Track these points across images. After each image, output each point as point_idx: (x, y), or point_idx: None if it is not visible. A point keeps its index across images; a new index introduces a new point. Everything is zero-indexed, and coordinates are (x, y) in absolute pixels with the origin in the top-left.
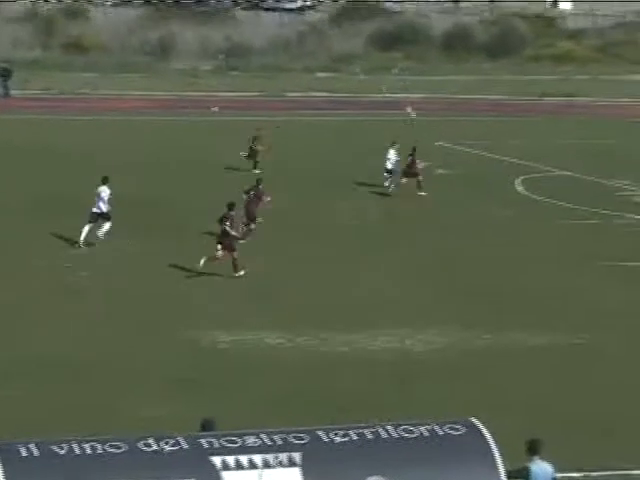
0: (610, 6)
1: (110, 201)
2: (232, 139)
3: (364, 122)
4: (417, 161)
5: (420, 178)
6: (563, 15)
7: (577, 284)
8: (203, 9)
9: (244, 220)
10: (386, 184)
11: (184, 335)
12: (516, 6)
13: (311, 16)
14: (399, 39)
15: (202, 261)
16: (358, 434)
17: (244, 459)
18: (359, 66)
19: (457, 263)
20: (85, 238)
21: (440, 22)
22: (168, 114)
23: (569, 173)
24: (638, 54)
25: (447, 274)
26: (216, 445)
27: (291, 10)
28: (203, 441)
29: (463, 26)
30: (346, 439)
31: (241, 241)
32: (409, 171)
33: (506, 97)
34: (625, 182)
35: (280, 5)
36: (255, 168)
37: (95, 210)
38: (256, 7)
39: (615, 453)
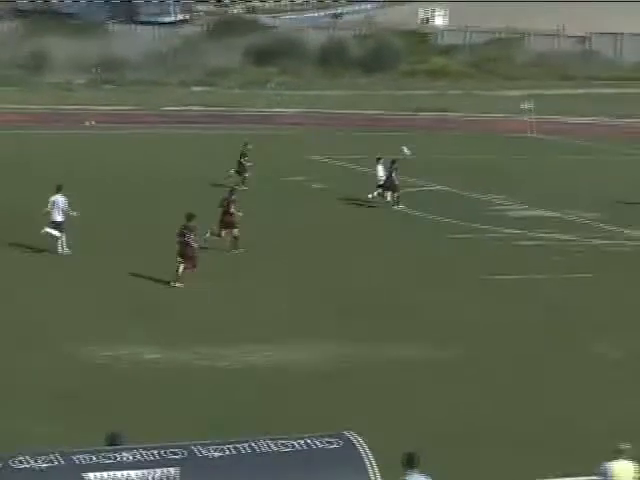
0: (483, 22)
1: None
2: (108, 152)
3: (238, 136)
4: None
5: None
6: (437, 31)
7: (452, 297)
8: (77, 22)
9: (215, 230)
10: (375, 194)
11: (62, 349)
12: (390, 21)
13: (186, 30)
14: (275, 53)
15: (176, 284)
16: (234, 449)
17: (120, 475)
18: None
19: (334, 277)
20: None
21: (316, 37)
22: (42, 127)
23: (445, 188)
24: (511, 70)
25: (324, 288)
26: (91, 461)
27: (166, 24)
28: (77, 457)
29: (338, 41)
30: (222, 454)
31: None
32: None
33: (381, 112)
34: (500, 197)
35: (155, 19)
36: (244, 184)
37: (56, 219)
38: (131, 21)
39: (483, 464)
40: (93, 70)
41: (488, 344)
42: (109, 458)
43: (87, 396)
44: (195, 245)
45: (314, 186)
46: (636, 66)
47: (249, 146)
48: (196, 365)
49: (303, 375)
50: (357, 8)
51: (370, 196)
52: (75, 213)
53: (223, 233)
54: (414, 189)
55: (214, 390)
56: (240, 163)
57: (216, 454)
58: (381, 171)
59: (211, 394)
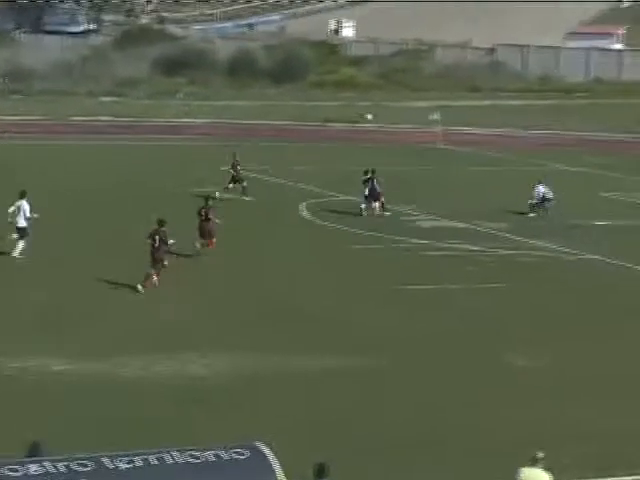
0: (391, 34)
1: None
2: (17, 162)
3: (147, 146)
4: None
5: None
6: (346, 42)
7: (362, 308)
8: None
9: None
10: (362, 207)
11: None
12: (300, 32)
13: (95, 40)
14: (183, 64)
15: (139, 286)
16: (143, 460)
17: None
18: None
19: (245, 287)
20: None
21: (224, 47)
22: None
23: (353, 198)
24: (419, 81)
25: (235, 298)
26: None
27: (74, 34)
28: None
29: (247, 51)
30: (131, 465)
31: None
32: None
33: (290, 123)
34: (409, 207)
35: (63, 28)
36: (245, 194)
37: (20, 225)
38: (38, 30)
39: (393, 472)
40: (0, 80)
41: (403, 353)
42: (16, 471)
43: None
44: (165, 249)
45: (225, 196)
46: (541, 78)
47: (237, 157)
48: (106, 376)
49: (214, 385)
50: (267, 19)
51: (363, 206)
52: (36, 215)
53: (199, 244)
54: (322, 199)
55: (123, 401)
56: (233, 175)
57: (125, 466)
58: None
59: (120, 405)
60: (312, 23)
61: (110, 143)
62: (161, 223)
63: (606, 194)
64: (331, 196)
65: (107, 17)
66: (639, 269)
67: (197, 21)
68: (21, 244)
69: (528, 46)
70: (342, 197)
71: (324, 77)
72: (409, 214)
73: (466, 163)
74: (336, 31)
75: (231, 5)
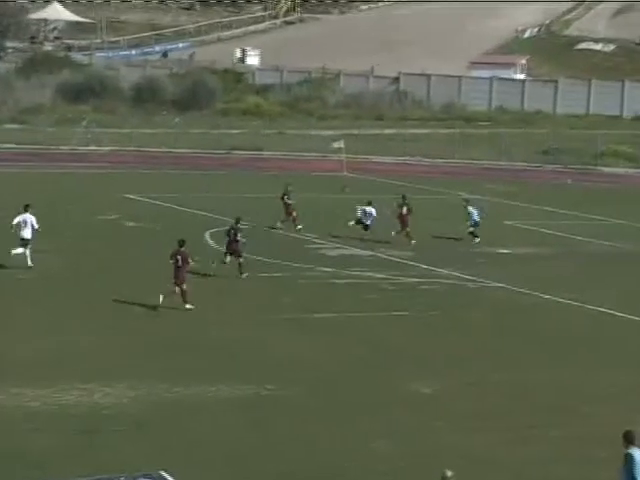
0: (296, 63)
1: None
2: None
3: (51, 174)
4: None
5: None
6: (251, 70)
7: (265, 336)
8: None
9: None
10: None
11: None
12: (206, 60)
13: None
14: (88, 91)
15: (161, 297)
16: None
17: None
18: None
19: (146, 316)
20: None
21: (129, 75)
22: None
23: (259, 226)
24: (323, 109)
25: (134, 327)
26: None
27: None
28: None
29: (152, 79)
30: None
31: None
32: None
33: (196, 151)
34: (313, 235)
35: None
36: (295, 223)
37: (25, 236)
38: None
39: None
40: None
41: (309, 382)
42: None
43: None
44: (187, 267)
45: (128, 224)
46: (445, 107)
47: (289, 188)
48: (5, 408)
49: (117, 414)
50: (173, 47)
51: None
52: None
53: (228, 259)
54: (227, 228)
55: (25, 431)
56: (285, 203)
57: None
58: (372, 211)
59: (21, 435)
60: (216, 51)
61: (14, 171)
62: (181, 243)
63: (509, 222)
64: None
65: (10, 44)
66: (543, 296)
67: (101, 48)
68: (28, 251)
69: (432, 75)
70: (248, 225)
71: (230, 105)
72: (314, 242)
73: (370, 191)
74: (241, 59)
75: (136, 33)
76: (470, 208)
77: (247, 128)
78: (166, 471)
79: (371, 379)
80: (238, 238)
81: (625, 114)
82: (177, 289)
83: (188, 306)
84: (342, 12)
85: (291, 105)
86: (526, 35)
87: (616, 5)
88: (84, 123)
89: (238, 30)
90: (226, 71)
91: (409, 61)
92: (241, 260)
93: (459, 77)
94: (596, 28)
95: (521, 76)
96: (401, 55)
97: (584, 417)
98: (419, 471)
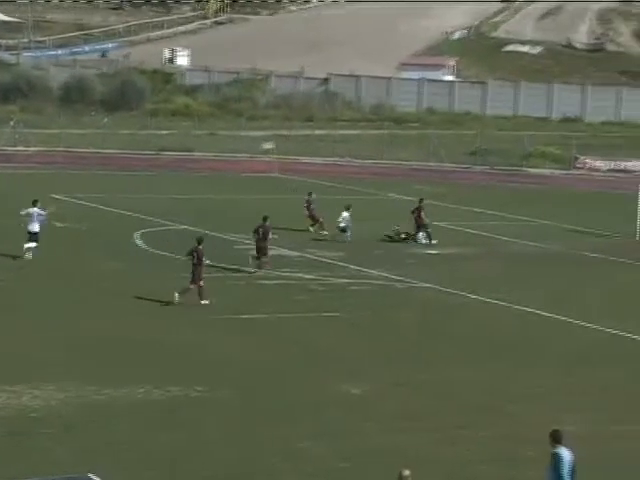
0: (226, 63)
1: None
2: None
3: None
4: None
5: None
6: (180, 71)
7: (195, 337)
8: None
9: (253, 254)
10: (348, 237)
11: None
12: (135, 61)
13: None
14: (15, 91)
15: (176, 295)
16: None
17: None
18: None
19: (78, 317)
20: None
21: (59, 75)
22: None
23: (188, 227)
24: (253, 110)
25: (63, 328)
26: None
27: None
28: None
29: (81, 79)
30: None
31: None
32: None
33: (124, 151)
34: (244, 236)
35: None
36: (322, 229)
37: (31, 229)
38: None
39: None
40: None
41: (239, 383)
42: None
43: None
44: (204, 265)
45: (57, 225)
46: (375, 108)
47: (313, 195)
48: None
49: (45, 416)
50: (101, 47)
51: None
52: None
53: (263, 258)
54: (156, 228)
55: None
56: (310, 212)
57: None
58: (347, 215)
59: None
60: (145, 52)
61: None
62: (199, 241)
63: (436, 223)
64: (165, 225)
65: None
66: (470, 296)
67: (29, 48)
68: (33, 245)
69: (361, 76)
70: (177, 226)
71: (159, 105)
72: (244, 243)
73: (300, 192)
74: (170, 60)
75: (64, 32)
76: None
77: (177, 129)
78: (94, 473)
79: (301, 380)
80: (269, 236)
81: (553, 116)
82: (193, 286)
83: (204, 302)
84: (272, 13)
85: (221, 106)
86: (455, 37)
87: (544, 7)
88: (11, 123)
89: (167, 30)
90: (155, 71)
91: (339, 62)
92: (265, 259)
93: (389, 78)
94: (524, 30)
95: (450, 77)
96: (331, 56)
97: (511, 417)
98: (349, 472)
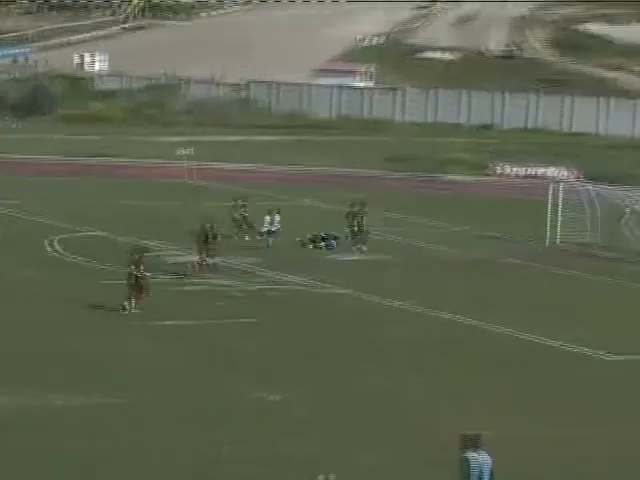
0: (141, 69)
1: None
2: None
3: None
4: None
5: None
6: (94, 76)
7: (112, 344)
8: None
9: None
10: (270, 242)
11: None
12: (48, 65)
13: None
14: None
15: (127, 305)
16: None
17: None
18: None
19: None
20: None
21: None
22: None
23: (101, 233)
24: (167, 116)
25: None
26: None
27: None
28: None
29: None
30: None
31: None
32: None
33: (36, 157)
34: (159, 243)
35: None
36: (246, 235)
37: None
38: None
39: None
40: None
41: (157, 390)
42: None
43: None
44: (146, 274)
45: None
46: (290, 114)
47: (241, 201)
48: None
49: None
50: (12, 52)
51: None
52: None
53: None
54: (71, 234)
55: None
56: (243, 216)
57: None
58: (276, 219)
59: None
60: (58, 56)
61: None
62: (141, 251)
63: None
64: (78, 231)
65: None
66: (388, 302)
67: None
68: None
69: (277, 82)
70: (90, 232)
71: (72, 111)
72: (160, 249)
73: (216, 198)
74: (84, 65)
75: None
76: (268, 217)
77: (90, 134)
78: None
79: (218, 387)
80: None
81: (468, 122)
82: (144, 294)
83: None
84: (188, 18)
85: (135, 111)
86: (371, 43)
87: (459, 15)
88: None
89: (82, 35)
90: (68, 77)
91: (255, 68)
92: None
93: (304, 85)
94: (439, 37)
95: (366, 84)
96: (247, 62)
97: (429, 421)
98: (265, 478)
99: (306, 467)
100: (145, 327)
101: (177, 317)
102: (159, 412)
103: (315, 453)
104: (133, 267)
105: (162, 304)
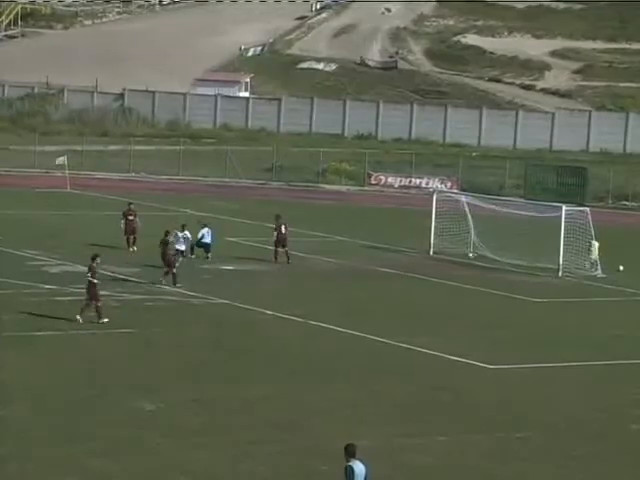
0: (18, 77)
1: None
2: None
3: None
4: None
5: None
6: None
7: None
8: None
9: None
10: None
11: None
12: None
13: None
14: None
15: (78, 316)
16: None
17: None
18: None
19: None
20: None
21: None
22: None
23: None
24: (46, 125)
25: None
26: None
27: None
28: None
29: None
30: None
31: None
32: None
33: None
34: (35, 252)
35: None
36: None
37: None
38: None
39: None
40: None
41: (34, 402)
42: None
43: None
44: (95, 281)
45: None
46: (170, 124)
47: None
48: None
49: None
50: None
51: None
52: None
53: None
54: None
55: None
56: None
57: None
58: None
59: None
60: None
61: None
62: (94, 258)
63: (232, 239)
64: None
65: None
66: (266, 312)
67: None
68: None
69: (157, 92)
70: None
71: None
72: (36, 259)
73: (94, 207)
74: None
75: None
76: (204, 230)
77: None
78: None
79: (95, 397)
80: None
81: (347, 133)
82: (93, 303)
83: (101, 321)
84: (65, 27)
85: (13, 120)
86: (250, 53)
87: (337, 26)
88: None
89: None
90: None
91: (134, 77)
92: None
93: (184, 94)
94: (318, 48)
95: (245, 94)
96: (126, 71)
97: (306, 432)
98: None
99: (185, 478)
100: (18, 337)
101: (52, 327)
102: (30, 424)
103: (195, 463)
104: (88, 273)
105: (37, 314)
